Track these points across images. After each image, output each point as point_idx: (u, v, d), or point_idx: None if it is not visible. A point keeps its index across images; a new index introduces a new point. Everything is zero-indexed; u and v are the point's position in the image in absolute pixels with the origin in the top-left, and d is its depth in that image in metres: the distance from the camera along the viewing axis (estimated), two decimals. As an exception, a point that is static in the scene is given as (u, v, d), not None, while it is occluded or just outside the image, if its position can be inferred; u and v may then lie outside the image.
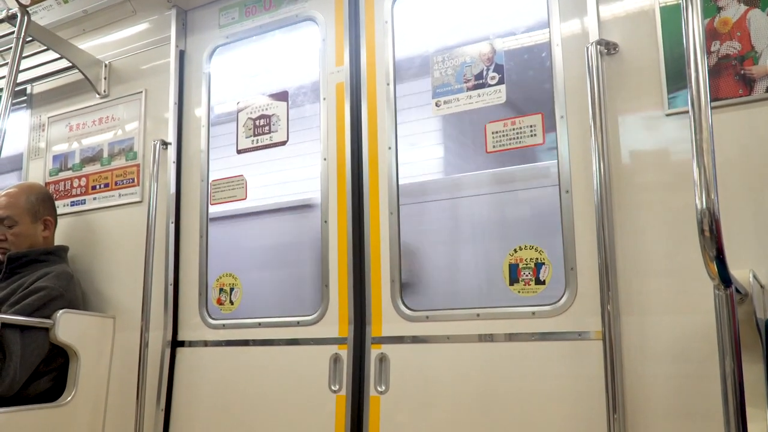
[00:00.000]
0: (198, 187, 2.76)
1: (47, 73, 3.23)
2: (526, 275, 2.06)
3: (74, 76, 3.14)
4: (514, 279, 2.08)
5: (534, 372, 1.98)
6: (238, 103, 2.75)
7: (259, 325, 2.49)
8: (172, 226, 2.73)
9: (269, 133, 2.64)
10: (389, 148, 2.35)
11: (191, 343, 2.64)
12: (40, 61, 3.18)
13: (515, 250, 2.08)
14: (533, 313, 2.02)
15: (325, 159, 2.47)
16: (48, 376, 2.57)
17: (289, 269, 2.55)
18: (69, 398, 2.57)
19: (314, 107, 2.56)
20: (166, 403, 2.59)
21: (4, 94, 2.50)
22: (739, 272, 1.47)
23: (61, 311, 2.52)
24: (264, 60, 2.75)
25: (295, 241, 2.56)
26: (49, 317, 2.50)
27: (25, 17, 2.61)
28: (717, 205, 1.22)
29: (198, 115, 2.83)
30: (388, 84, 2.40)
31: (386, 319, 2.26)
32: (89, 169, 3.06)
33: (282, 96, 2.65)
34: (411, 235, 2.30)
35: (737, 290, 1.37)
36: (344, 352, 2.29)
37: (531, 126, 2.11)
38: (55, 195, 3.06)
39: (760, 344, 1.57)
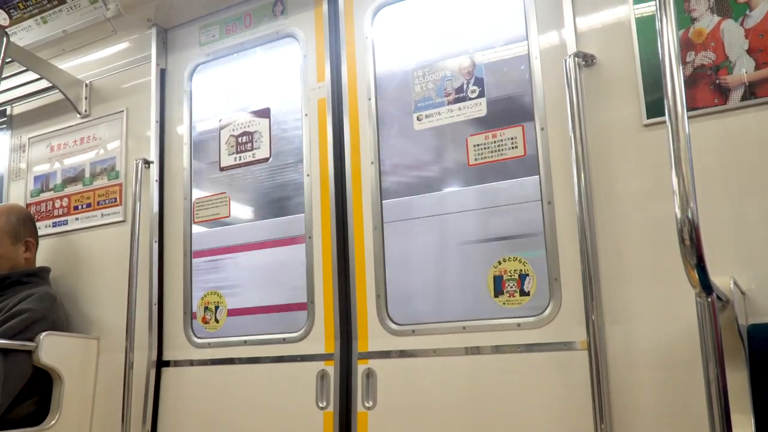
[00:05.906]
0: (181, 205, 2.75)
1: (27, 94, 3.21)
2: (511, 287, 2.06)
3: (55, 96, 3.13)
4: (498, 291, 2.08)
5: (521, 383, 1.98)
6: (220, 120, 2.74)
7: (245, 342, 2.47)
8: (155, 246, 2.72)
9: (252, 150, 2.64)
10: (372, 162, 2.36)
11: (176, 363, 2.61)
12: (19, 82, 3.17)
13: (499, 262, 2.09)
14: (518, 324, 2.02)
15: (308, 175, 2.47)
16: (31, 399, 2.53)
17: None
18: (53, 422, 2.53)
19: (296, 123, 2.56)
20: (152, 425, 2.56)
21: (-16, 116, 2.49)
22: (720, 279, 1.49)
23: (44, 333, 2.49)
24: (245, 77, 2.75)
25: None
26: (31, 340, 2.47)
27: (4, 38, 2.59)
28: (696, 213, 1.24)
29: (180, 133, 2.82)
30: (369, 99, 2.40)
31: (372, 334, 2.25)
32: (71, 189, 3.04)
33: (264, 113, 2.65)
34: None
35: (719, 297, 1.38)
36: (331, 368, 2.28)
37: (512, 138, 2.13)
38: (36, 216, 3.04)
39: (742, 350, 1.59)
